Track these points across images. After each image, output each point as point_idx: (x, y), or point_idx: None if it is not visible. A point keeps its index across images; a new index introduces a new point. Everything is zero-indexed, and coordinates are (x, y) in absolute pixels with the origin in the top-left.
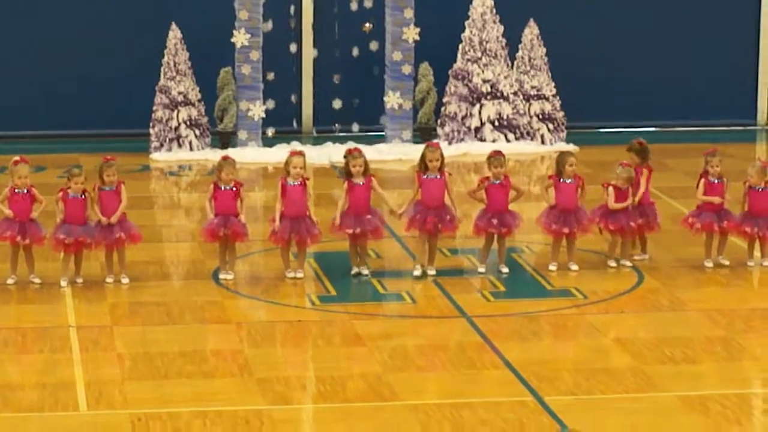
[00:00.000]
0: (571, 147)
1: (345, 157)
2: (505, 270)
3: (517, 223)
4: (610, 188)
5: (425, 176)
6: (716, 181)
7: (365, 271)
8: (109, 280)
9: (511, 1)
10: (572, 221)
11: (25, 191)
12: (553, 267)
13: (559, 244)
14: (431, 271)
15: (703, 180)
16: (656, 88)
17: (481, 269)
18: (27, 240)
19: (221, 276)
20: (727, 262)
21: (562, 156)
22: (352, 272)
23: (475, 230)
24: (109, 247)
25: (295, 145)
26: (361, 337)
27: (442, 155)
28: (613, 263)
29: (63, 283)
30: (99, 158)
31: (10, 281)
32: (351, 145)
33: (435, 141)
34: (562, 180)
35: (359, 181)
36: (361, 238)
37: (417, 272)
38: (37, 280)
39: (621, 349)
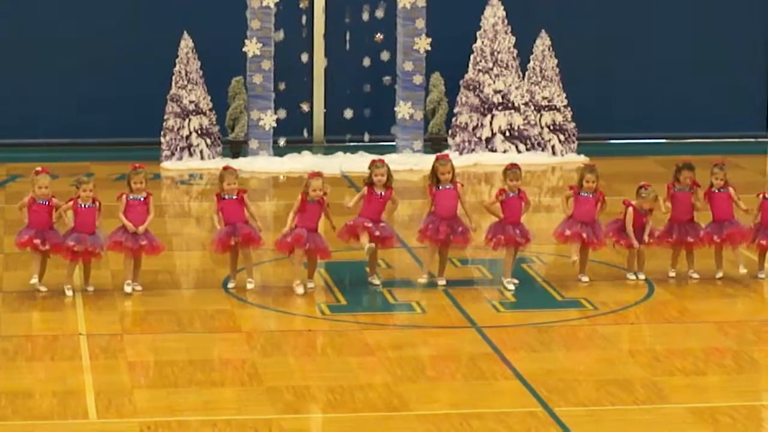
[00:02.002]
0: (582, 158)
1: (370, 167)
2: (515, 281)
3: (531, 236)
4: (630, 209)
5: (437, 188)
6: (720, 191)
7: (376, 281)
8: (128, 288)
9: (523, 12)
10: (589, 231)
11: (45, 202)
12: (576, 257)
13: (578, 246)
14: (441, 282)
15: (705, 191)
16: (668, 99)
17: (508, 282)
18: (47, 246)
19: (230, 285)
20: (720, 274)
21: (583, 170)
22: (367, 247)
23: (495, 244)
24: (133, 252)
25: (306, 155)
26: (371, 347)
27: (452, 167)
28: (632, 276)
29: (68, 292)
30: (110, 167)
31: (41, 288)
32: (362, 154)
33: (445, 153)
34: (581, 193)
35: (380, 191)
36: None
37: (423, 279)
38: (43, 289)
39: (631, 361)
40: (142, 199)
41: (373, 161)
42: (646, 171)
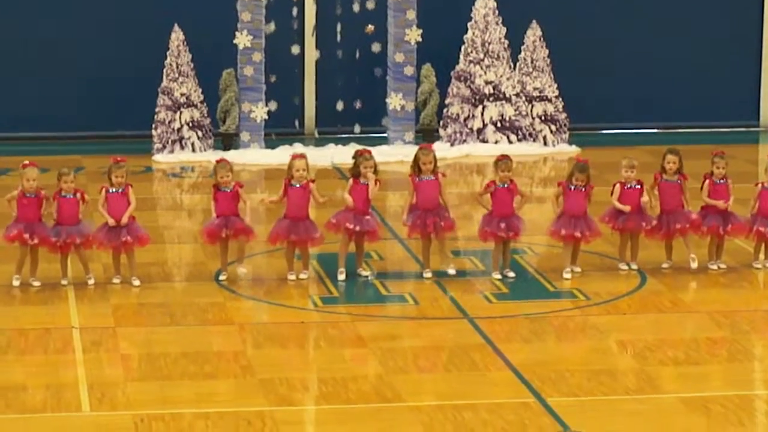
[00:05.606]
0: (573, 149)
1: (355, 158)
2: (512, 274)
3: (523, 228)
4: (617, 185)
5: (419, 179)
6: (720, 182)
7: (365, 273)
8: (116, 281)
9: (514, 2)
10: (582, 225)
11: (34, 195)
12: (567, 275)
13: (571, 248)
14: (452, 271)
15: (707, 181)
16: (659, 89)
17: (497, 275)
18: (35, 240)
19: (221, 278)
20: (724, 266)
21: (573, 168)
22: (339, 273)
23: (483, 236)
24: (117, 250)
25: (298, 147)
26: (364, 339)
27: (435, 157)
28: (624, 266)
29: (63, 282)
30: (101, 160)
31: (15, 282)
32: (353, 146)
33: (427, 143)
34: (570, 187)
35: (365, 182)
36: (359, 239)
37: (428, 274)
38: (36, 283)
39: (623, 351)
40: (120, 191)
41: (361, 152)
42: (638, 161)
